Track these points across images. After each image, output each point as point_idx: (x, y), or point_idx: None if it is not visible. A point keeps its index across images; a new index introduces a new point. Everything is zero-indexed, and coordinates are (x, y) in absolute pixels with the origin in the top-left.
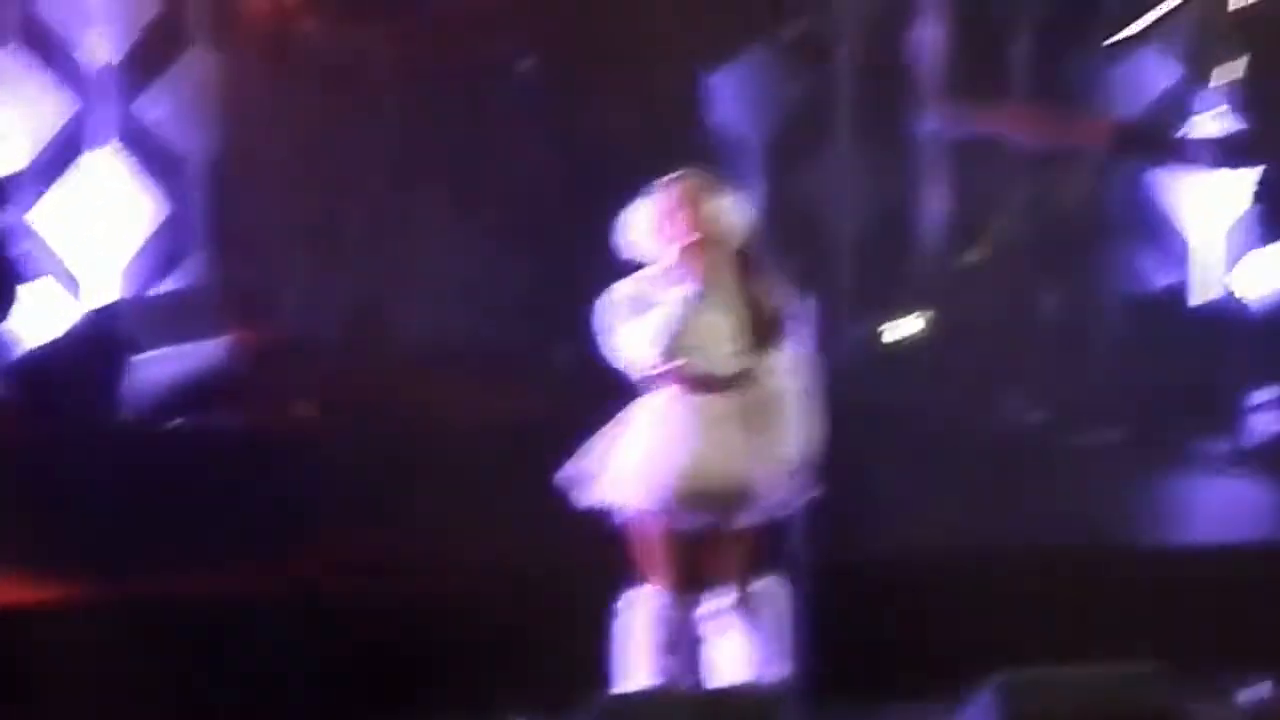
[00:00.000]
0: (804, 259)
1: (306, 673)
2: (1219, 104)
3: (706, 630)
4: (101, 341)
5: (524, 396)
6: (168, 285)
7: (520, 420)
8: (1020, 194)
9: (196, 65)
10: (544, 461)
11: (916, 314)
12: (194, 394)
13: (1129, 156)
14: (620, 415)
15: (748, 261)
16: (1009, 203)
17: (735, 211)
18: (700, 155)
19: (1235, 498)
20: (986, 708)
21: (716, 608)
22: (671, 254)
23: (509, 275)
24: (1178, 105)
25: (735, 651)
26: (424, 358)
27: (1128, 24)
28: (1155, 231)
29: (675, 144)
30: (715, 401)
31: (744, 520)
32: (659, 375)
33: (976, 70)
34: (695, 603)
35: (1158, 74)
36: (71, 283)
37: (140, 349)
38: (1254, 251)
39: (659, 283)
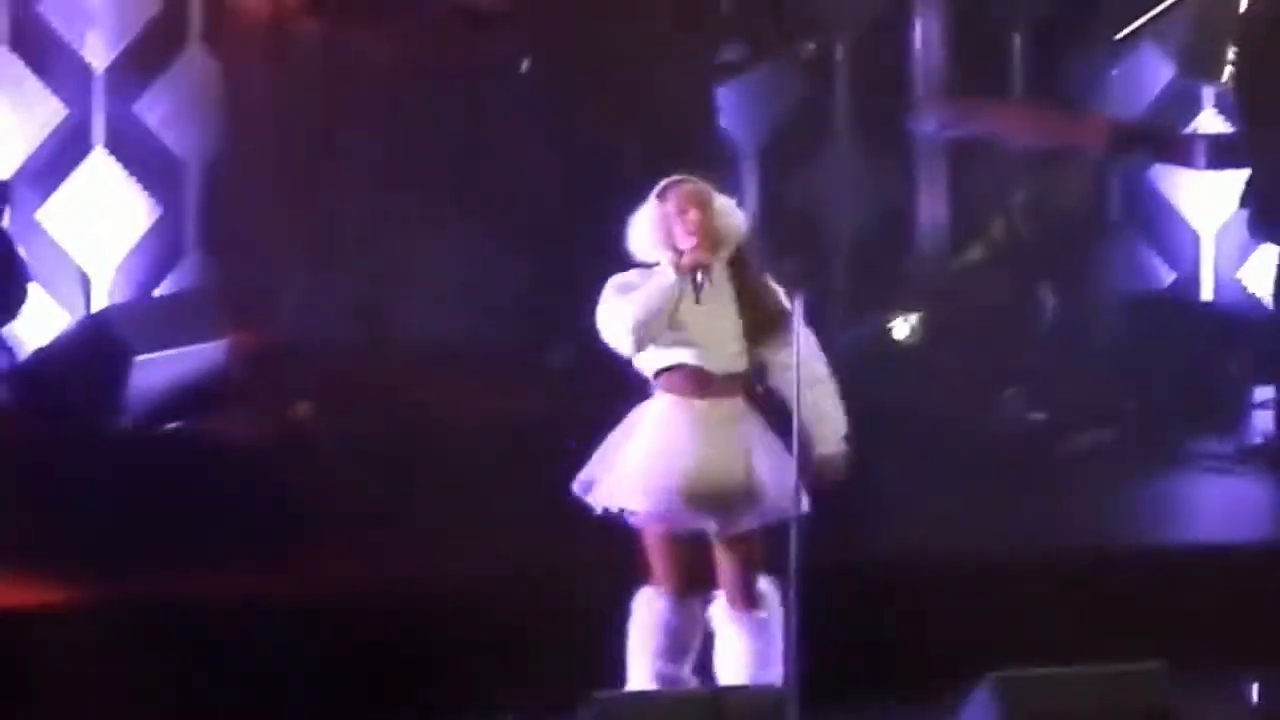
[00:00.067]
0: (802, 259)
1: (307, 673)
2: (1218, 101)
3: (709, 632)
4: (101, 344)
5: (523, 397)
6: (167, 287)
7: (519, 420)
8: (1019, 194)
9: (195, 66)
10: (543, 461)
11: (915, 314)
12: (193, 396)
13: (1128, 155)
14: (625, 419)
15: (746, 263)
16: (1007, 202)
17: (734, 214)
18: (699, 155)
19: (1238, 497)
20: (985, 707)
21: (719, 610)
22: (672, 256)
23: (509, 276)
24: (1177, 103)
25: (738, 653)
26: (423, 358)
27: (1127, 22)
28: (1154, 231)
29: (674, 144)
30: (719, 405)
31: (747, 523)
32: (662, 376)
33: (974, 69)
34: (698, 604)
35: (1157, 72)
36: (71, 285)
37: (140, 351)
38: (1258, 249)
39: (650, 274)
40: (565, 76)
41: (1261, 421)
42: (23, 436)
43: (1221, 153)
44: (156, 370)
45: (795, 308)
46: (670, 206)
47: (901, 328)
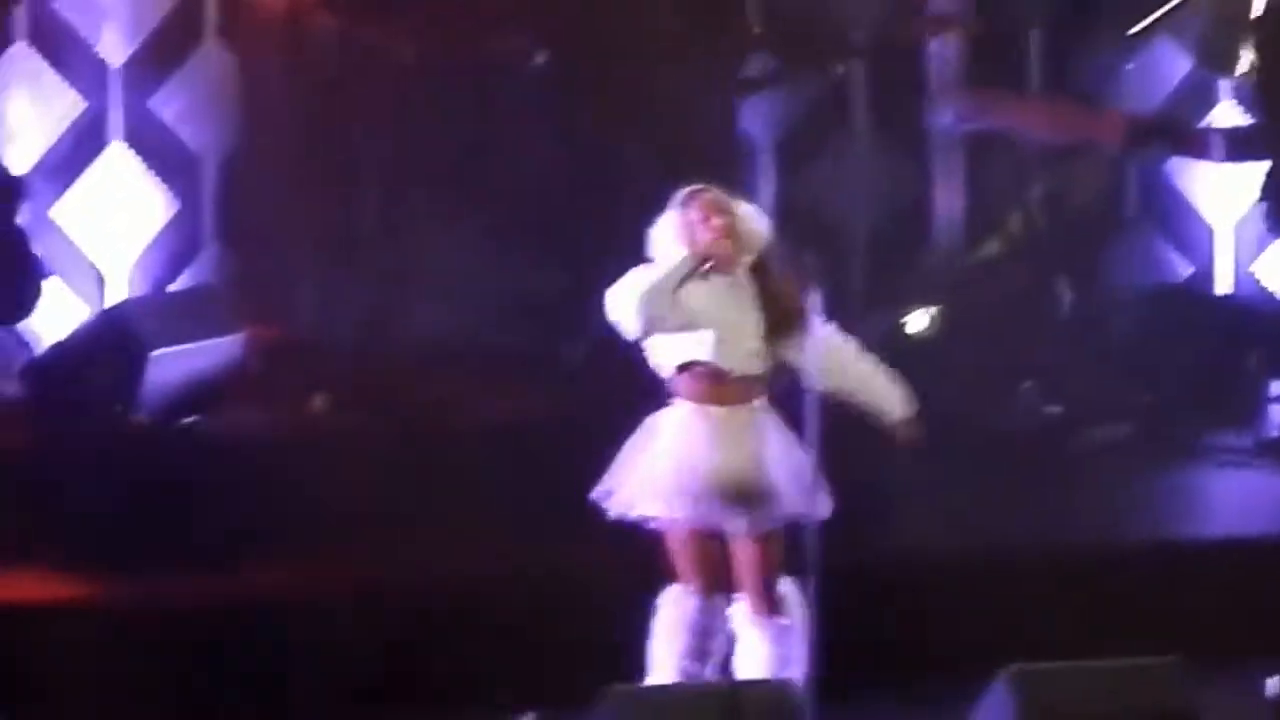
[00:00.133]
0: (818, 254)
1: (317, 670)
2: (1235, 94)
3: (733, 630)
4: (117, 338)
5: (538, 395)
6: (182, 282)
7: (534, 419)
8: (1036, 188)
9: (211, 60)
10: (557, 460)
11: (932, 308)
12: (208, 391)
13: (1144, 149)
14: (643, 426)
15: (769, 269)
16: (1024, 196)
17: (757, 220)
18: (713, 152)
19: (1255, 490)
20: (1002, 701)
21: (741, 613)
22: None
23: (525, 273)
24: (1194, 97)
25: (759, 658)
26: (439, 354)
27: (1144, 16)
28: (1171, 224)
29: (688, 142)
30: (737, 412)
31: (767, 523)
32: (679, 379)
33: (991, 64)
34: (723, 604)
35: (1174, 65)
36: (87, 280)
37: (156, 346)
38: (1275, 242)
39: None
40: (583, 75)
41: (1278, 415)
42: (39, 431)
43: (1238, 146)
44: (173, 365)
45: (813, 301)
46: (694, 214)
47: (918, 322)
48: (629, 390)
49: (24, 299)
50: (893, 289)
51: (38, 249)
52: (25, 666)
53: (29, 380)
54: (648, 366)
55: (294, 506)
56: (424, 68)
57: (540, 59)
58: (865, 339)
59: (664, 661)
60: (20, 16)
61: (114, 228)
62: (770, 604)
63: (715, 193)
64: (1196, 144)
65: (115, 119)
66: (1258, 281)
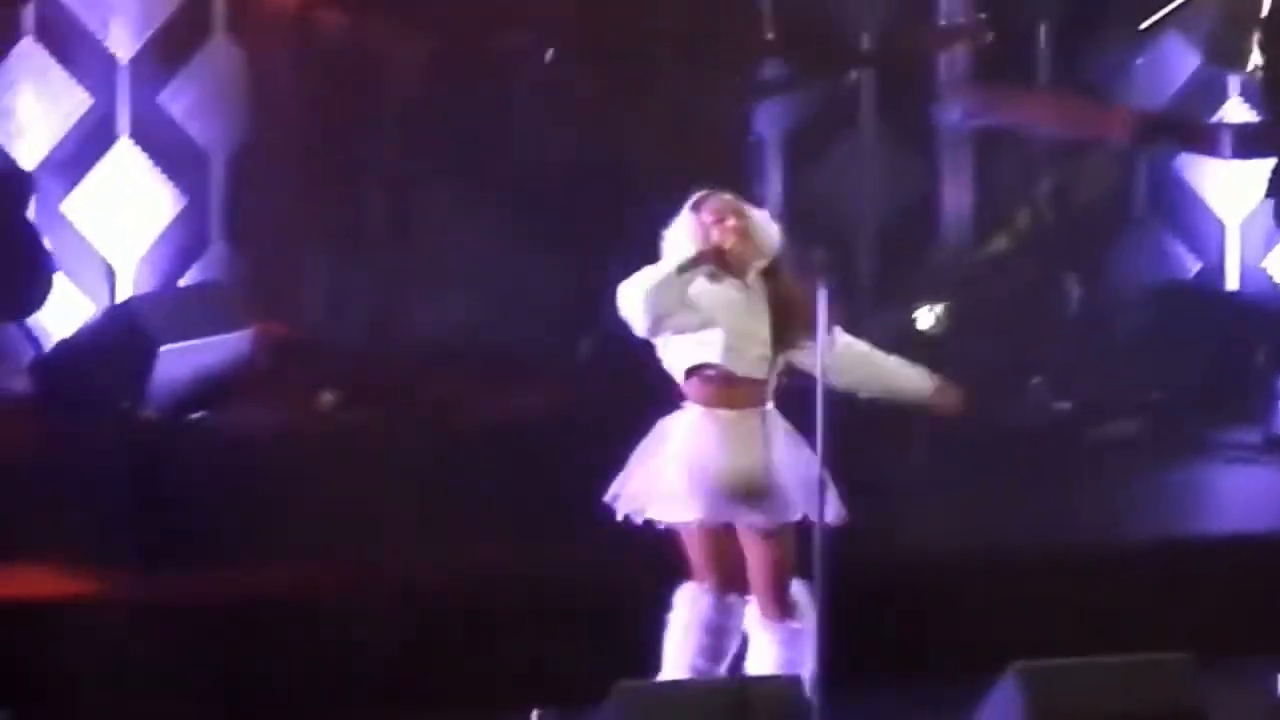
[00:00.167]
0: (826, 250)
1: (326, 667)
2: (1244, 90)
3: (745, 628)
4: (125, 334)
5: (547, 394)
6: (190, 277)
7: (543, 417)
8: (1044, 183)
9: (219, 56)
10: (568, 458)
11: (940, 304)
12: (216, 387)
13: (1153, 145)
14: (654, 430)
15: (781, 275)
16: (1033, 192)
17: (770, 225)
18: (725, 156)
19: (1264, 486)
20: (1009, 698)
21: (752, 615)
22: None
23: (534, 271)
24: (1203, 93)
25: (769, 661)
26: (447, 351)
27: (1153, 11)
28: (1180, 220)
29: (700, 145)
30: (746, 416)
31: (776, 520)
32: (689, 382)
33: (1000, 60)
34: (737, 602)
35: (1182, 61)
36: (95, 276)
37: (164, 341)
38: None
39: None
40: (593, 75)
41: None
42: (48, 426)
43: (1247, 142)
44: (180, 360)
45: (821, 296)
46: (707, 216)
47: (926, 317)
48: (639, 388)
49: (33, 294)
50: (901, 285)
51: (46, 244)
52: (33, 662)
53: (37, 375)
54: (657, 365)
55: (301, 503)
56: (434, 64)
57: (550, 58)
58: (874, 335)
59: (677, 660)
60: (28, 13)
61: (122, 223)
62: (782, 607)
63: (729, 197)
64: (1205, 140)
65: (123, 115)
66: (1267, 277)
